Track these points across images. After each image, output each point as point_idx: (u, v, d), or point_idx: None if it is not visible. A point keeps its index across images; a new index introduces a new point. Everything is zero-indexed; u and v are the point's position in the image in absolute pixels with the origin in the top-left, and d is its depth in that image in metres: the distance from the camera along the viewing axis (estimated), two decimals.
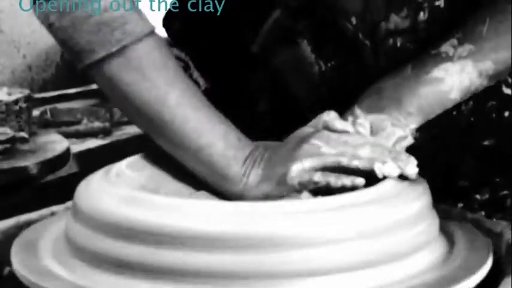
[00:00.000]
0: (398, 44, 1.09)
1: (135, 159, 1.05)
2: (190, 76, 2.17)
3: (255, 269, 0.81)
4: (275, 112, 1.20)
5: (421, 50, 1.06)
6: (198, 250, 0.82)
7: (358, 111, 0.98)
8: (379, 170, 0.89)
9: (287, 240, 0.81)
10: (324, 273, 0.82)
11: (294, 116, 1.10)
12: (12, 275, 0.92)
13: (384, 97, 0.99)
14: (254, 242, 0.81)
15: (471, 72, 1.00)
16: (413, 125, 0.98)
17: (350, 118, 0.98)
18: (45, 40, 2.55)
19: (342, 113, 1.02)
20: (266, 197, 0.96)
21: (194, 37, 1.10)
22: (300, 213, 0.83)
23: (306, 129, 0.98)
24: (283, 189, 0.94)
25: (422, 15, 1.07)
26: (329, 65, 1.12)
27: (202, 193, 1.03)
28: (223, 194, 1.01)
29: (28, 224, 1.04)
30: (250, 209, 0.85)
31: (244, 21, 1.16)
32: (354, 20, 1.08)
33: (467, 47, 1.00)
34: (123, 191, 0.90)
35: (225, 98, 1.16)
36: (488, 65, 1.00)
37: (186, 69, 2.19)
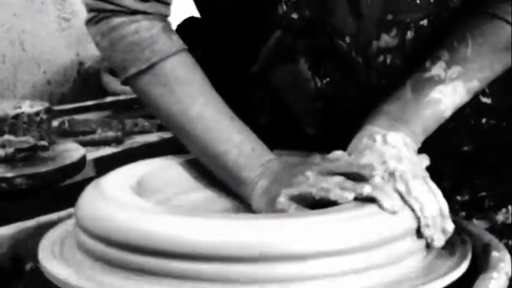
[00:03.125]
0: (388, 61, 1.09)
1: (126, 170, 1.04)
2: None
3: (248, 276, 0.80)
4: (274, 125, 1.19)
5: (408, 66, 1.06)
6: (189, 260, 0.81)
7: (375, 129, 0.97)
8: (335, 197, 0.89)
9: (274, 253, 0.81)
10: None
11: (291, 130, 1.09)
12: (33, 271, 0.91)
13: (393, 119, 0.98)
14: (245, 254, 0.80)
15: (461, 91, 1.00)
16: (417, 145, 0.98)
17: (372, 138, 0.96)
18: (63, 57, 2.55)
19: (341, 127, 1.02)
20: (262, 209, 0.96)
21: (199, 55, 1.09)
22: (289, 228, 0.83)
23: (313, 159, 0.97)
24: (271, 209, 0.94)
25: (409, 34, 1.07)
26: (324, 81, 1.12)
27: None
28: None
29: (48, 224, 1.04)
30: (239, 222, 0.84)
31: (246, 41, 1.16)
32: (347, 39, 1.08)
33: (455, 69, 1.00)
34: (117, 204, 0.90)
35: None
36: (475, 84, 1.01)
37: None
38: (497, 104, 1.15)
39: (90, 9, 1.08)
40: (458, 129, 1.14)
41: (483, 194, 1.18)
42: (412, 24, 1.07)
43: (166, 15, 1.09)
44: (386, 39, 1.08)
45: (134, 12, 1.05)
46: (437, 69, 1.01)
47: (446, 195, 1.16)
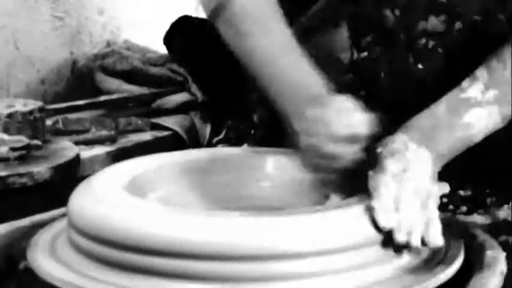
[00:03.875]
0: (430, 46, 1.07)
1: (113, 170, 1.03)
2: (189, 89, 2.16)
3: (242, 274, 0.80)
4: (268, 123, 1.18)
5: (449, 60, 1.04)
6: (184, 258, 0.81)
7: (407, 138, 0.95)
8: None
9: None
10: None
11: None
12: (27, 270, 0.91)
13: (424, 136, 0.95)
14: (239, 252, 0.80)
15: (496, 117, 0.97)
16: (439, 168, 0.96)
17: (405, 145, 0.94)
18: (57, 56, 2.54)
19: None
20: None
21: (193, 54, 1.09)
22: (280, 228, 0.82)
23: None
24: None
25: (458, 24, 1.05)
26: (362, 55, 1.10)
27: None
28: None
29: (41, 223, 1.03)
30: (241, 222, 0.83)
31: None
32: (397, 12, 1.06)
33: (492, 93, 0.97)
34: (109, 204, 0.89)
35: (222, 109, 1.14)
36: (509, 110, 0.98)
37: (184, 83, 2.18)
38: None
39: None
40: None
41: (486, 190, 1.18)
42: (464, 17, 1.05)
43: None
44: (434, 22, 1.06)
45: None
46: (475, 91, 0.98)
47: (450, 191, 1.15)
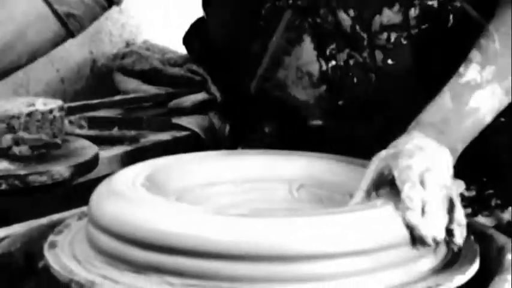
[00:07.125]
0: (392, 39, 1.08)
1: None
2: (208, 90, 2.17)
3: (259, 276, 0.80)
4: (279, 133, 1.19)
5: (414, 48, 1.05)
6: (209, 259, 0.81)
7: (427, 139, 0.94)
8: None
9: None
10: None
11: (295, 137, 1.09)
12: (46, 268, 0.91)
13: (438, 132, 0.95)
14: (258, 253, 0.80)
15: (500, 93, 0.98)
16: (454, 162, 0.96)
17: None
18: (76, 56, 2.55)
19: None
20: None
21: (211, 55, 1.09)
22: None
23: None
24: None
25: (413, 12, 1.07)
26: (329, 65, 1.11)
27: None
28: None
29: (60, 222, 1.04)
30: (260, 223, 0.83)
31: (258, 30, 1.16)
32: (351, 12, 1.07)
33: (489, 69, 0.98)
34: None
35: (237, 113, 1.14)
36: (508, 82, 0.99)
37: (204, 84, 2.19)
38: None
39: None
40: None
41: (490, 191, 1.17)
42: (417, 2, 1.06)
43: None
44: (389, 14, 1.07)
45: None
46: (472, 73, 0.98)
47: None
